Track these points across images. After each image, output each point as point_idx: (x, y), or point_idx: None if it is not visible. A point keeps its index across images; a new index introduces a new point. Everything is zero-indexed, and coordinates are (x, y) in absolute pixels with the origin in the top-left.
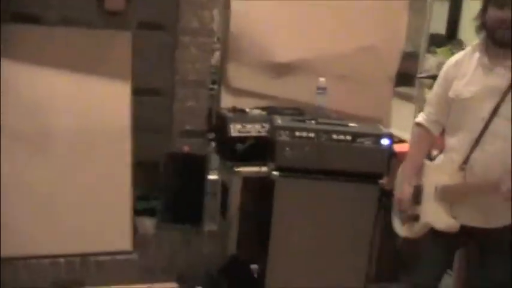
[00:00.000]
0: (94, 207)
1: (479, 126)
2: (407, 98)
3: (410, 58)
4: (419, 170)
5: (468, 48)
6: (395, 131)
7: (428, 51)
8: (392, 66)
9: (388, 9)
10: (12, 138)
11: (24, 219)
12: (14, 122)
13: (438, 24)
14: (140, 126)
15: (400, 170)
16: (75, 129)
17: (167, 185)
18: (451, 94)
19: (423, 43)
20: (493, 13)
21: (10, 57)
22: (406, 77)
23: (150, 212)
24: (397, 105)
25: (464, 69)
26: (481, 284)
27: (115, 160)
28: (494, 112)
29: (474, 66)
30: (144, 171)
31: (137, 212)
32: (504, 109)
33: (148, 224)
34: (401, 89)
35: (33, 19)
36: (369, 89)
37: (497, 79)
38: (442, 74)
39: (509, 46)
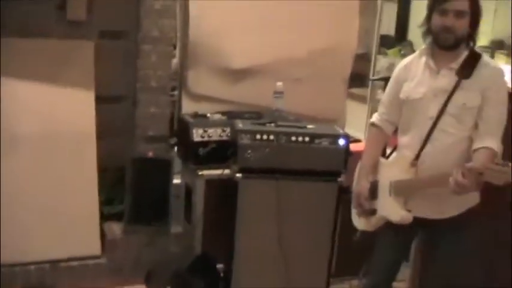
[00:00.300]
0: (62, 213)
1: (429, 124)
2: (360, 99)
3: (362, 60)
4: (375, 167)
5: (416, 53)
6: (349, 130)
7: (379, 52)
8: (346, 67)
9: (340, 12)
10: None
11: None
12: None
13: (388, 26)
14: (105, 133)
15: (358, 167)
16: (41, 137)
17: (132, 189)
18: (401, 95)
19: (374, 44)
20: (437, 20)
21: None
22: (359, 78)
23: (117, 216)
24: (350, 106)
25: (413, 72)
26: (435, 271)
27: (81, 166)
28: (442, 111)
29: (422, 69)
30: (110, 177)
31: (104, 217)
32: (450, 108)
33: (115, 228)
34: (355, 90)
35: None
36: (324, 90)
37: (443, 80)
38: (393, 77)
39: (452, 49)
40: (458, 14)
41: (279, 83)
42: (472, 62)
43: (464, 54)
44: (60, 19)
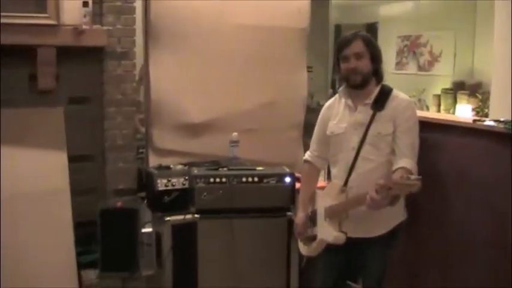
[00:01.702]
0: (41, 264)
1: (352, 154)
2: None
3: None
4: (312, 198)
5: (337, 95)
6: None
7: None
8: (298, 115)
9: (288, 68)
10: None
11: None
12: None
13: None
14: (78, 189)
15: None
16: (21, 196)
17: (103, 238)
18: (328, 132)
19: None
20: (343, 65)
21: None
22: None
23: (92, 264)
24: None
25: (335, 111)
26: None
27: (57, 221)
28: (362, 141)
29: (342, 107)
30: (85, 229)
31: (81, 265)
32: (368, 138)
33: (91, 274)
34: None
35: None
36: (278, 138)
37: (360, 115)
38: (319, 118)
39: (362, 87)
40: (357, 55)
41: (234, 133)
42: (383, 96)
43: (376, 90)
44: (32, 89)
